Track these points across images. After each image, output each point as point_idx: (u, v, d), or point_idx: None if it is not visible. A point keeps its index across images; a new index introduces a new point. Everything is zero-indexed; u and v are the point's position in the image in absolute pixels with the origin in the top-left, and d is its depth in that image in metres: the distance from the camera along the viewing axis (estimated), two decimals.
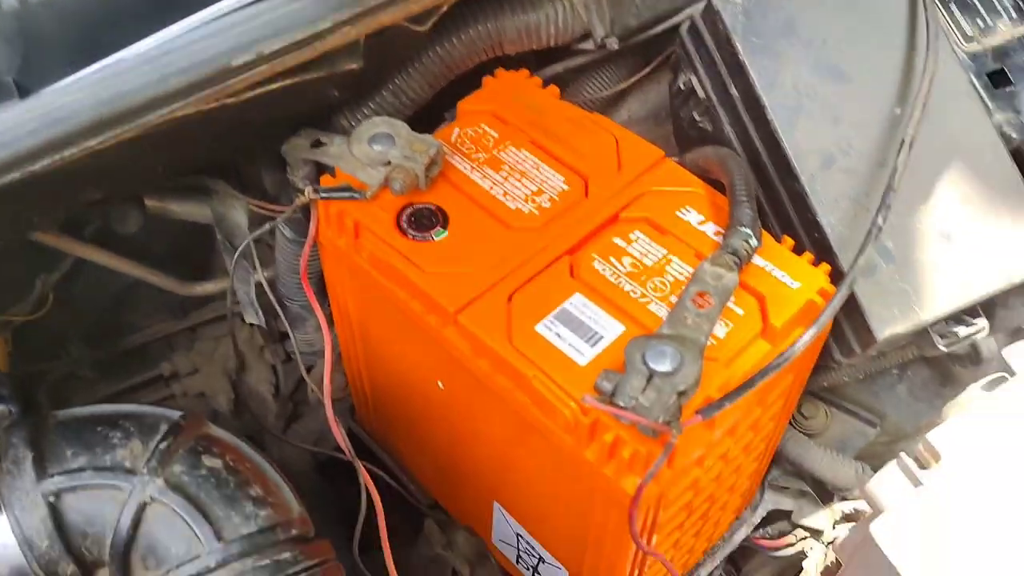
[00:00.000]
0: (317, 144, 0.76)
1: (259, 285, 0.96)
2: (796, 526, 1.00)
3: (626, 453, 0.63)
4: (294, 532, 0.59)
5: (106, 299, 1.10)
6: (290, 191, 0.89)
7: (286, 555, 0.57)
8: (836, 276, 0.73)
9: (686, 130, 0.90)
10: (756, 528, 1.00)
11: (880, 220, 0.69)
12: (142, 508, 0.57)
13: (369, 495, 0.80)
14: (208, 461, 0.59)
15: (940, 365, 0.99)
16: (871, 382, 1.05)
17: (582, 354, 0.67)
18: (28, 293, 0.97)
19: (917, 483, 0.71)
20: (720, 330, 0.68)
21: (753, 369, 0.66)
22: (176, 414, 0.61)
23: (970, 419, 0.71)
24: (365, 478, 0.81)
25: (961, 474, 0.69)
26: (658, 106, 1.02)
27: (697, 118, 0.87)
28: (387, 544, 0.76)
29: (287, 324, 0.98)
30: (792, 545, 1.00)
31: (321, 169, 0.79)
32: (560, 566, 0.83)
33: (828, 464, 0.96)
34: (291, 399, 1.22)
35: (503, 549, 0.92)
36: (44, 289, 0.98)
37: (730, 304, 0.69)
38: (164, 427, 0.60)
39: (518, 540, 0.87)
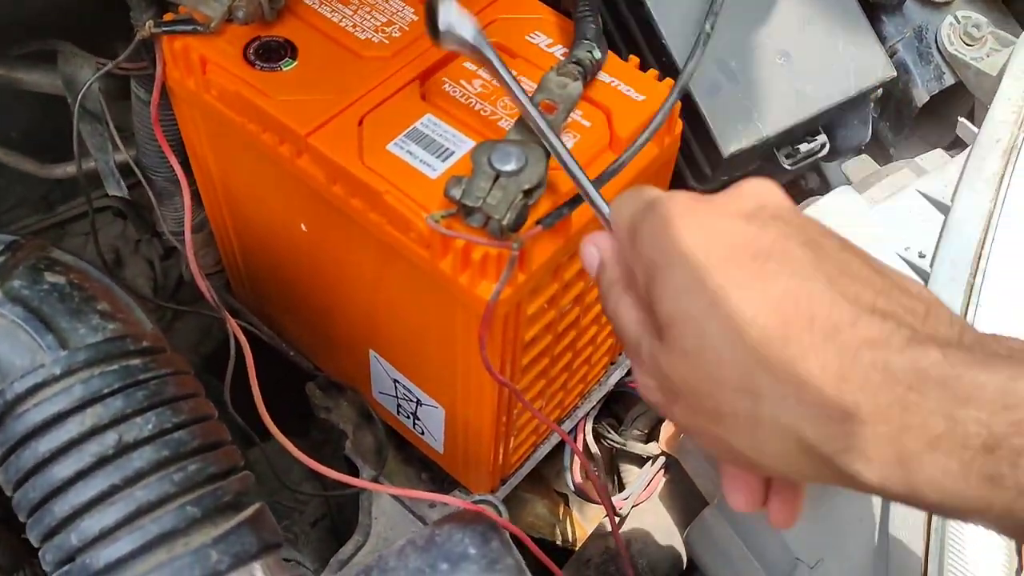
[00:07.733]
0: None
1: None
2: None
3: (476, 255, 0.64)
4: (145, 344, 0.58)
5: None
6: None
7: (135, 362, 0.57)
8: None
9: None
10: (630, 372, 1.04)
11: (708, 27, 0.71)
12: None
13: (238, 342, 0.80)
14: (50, 277, 0.58)
15: None
16: None
17: (434, 169, 0.68)
18: None
19: None
20: (568, 142, 0.70)
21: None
22: (15, 236, 0.60)
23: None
24: (232, 326, 0.80)
25: None
26: None
27: None
28: (255, 382, 0.76)
29: (154, 199, 0.96)
30: None
31: (166, 11, 0.78)
32: (436, 404, 0.84)
33: None
34: (174, 298, 1.20)
35: (384, 402, 0.93)
36: None
37: (577, 118, 0.71)
38: (0, 246, 0.58)
39: (395, 387, 0.88)
